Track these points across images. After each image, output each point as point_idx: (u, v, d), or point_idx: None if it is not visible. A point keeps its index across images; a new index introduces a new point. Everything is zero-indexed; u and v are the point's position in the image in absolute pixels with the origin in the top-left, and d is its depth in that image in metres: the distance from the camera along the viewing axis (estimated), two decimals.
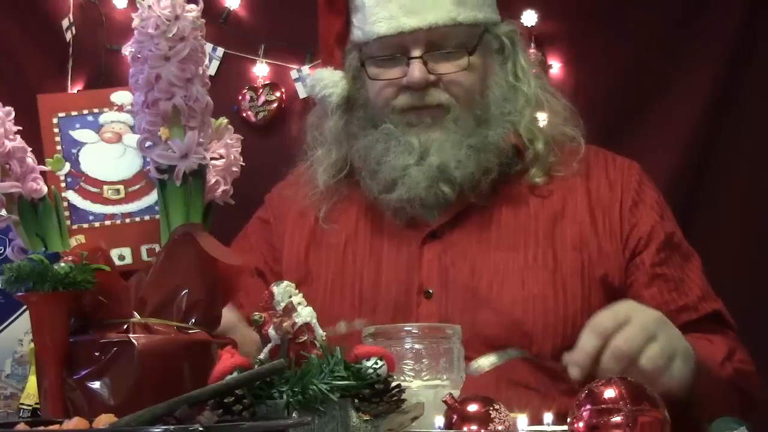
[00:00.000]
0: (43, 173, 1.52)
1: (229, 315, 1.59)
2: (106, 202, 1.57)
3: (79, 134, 1.59)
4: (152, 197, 1.56)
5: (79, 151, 1.58)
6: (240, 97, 2.62)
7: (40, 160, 1.54)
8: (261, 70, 2.63)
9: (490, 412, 1.33)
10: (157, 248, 1.50)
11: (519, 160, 1.87)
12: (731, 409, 1.66)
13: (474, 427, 1.32)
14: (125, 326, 1.38)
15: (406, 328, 1.44)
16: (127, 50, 1.46)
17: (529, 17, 2.47)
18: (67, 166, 1.57)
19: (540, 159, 1.86)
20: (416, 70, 1.80)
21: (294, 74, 2.62)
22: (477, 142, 1.81)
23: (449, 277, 1.81)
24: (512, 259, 1.81)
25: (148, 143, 1.46)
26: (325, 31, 1.90)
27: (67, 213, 1.55)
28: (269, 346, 1.27)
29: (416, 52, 1.80)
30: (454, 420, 1.34)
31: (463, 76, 1.82)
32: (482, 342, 1.73)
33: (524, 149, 1.86)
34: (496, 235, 1.83)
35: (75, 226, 1.56)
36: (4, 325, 1.75)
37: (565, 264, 1.80)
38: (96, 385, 1.35)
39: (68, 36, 2.61)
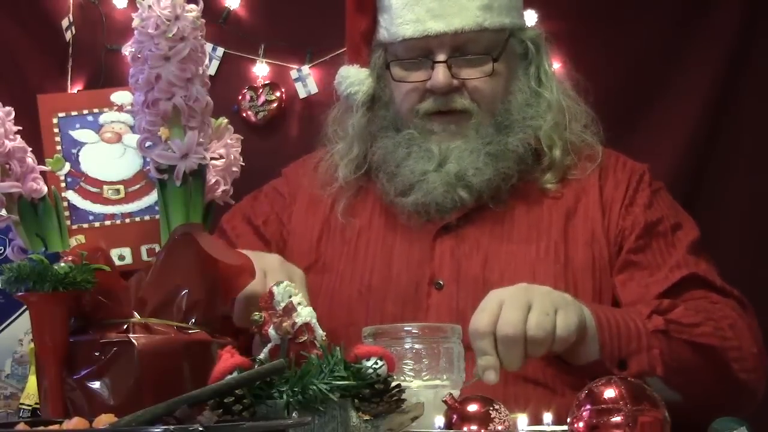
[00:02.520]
0: (43, 173, 1.52)
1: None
2: (106, 202, 1.57)
3: (79, 134, 1.59)
4: (152, 197, 1.56)
5: (79, 151, 1.58)
6: (240, 97, 2.62)
7: (40, 160, 1.54)
8: (261, 70, 2.63)
9: (490, 412, 1.33)
10: (157, 248, 1.51)
11: (537, 164, 1.88)
12: (671, 358, 1.65)
13: (474, 427, 1.32)
14: (125, 326, 1.38)
15: (406, 328, 1.44)
16: (127, 50, 1.46)
17: (529, 17, 2.46)
18: (67, 166, 1.57)
19: (555, 165, 1.87)
20: (440, 74, 1.81)
21: (294, 74, 2.62)
22: (496, 149, 1.83)
23: (461, 269, 1.82)
24: (524, 251, 1.81)
25: (148, 143, 1.46)
26: (352, 28, 1.91)
27: (67, 213, 1.55)
28: (269, 346, 1.27)
29: (441, 56, 1.82)
30: (454, 420, 1.34)
31: (486, 83, 1.84)
32: None
33: (543, 155, 1.87)
34: (509, 229, 1.84)
35: (75, 226, 1.56)
36: (4, 325, 1.75)
37: (576, 259, 1.81)
38: (96, 385, 1.35)
39: (68, 36, 2.61)
